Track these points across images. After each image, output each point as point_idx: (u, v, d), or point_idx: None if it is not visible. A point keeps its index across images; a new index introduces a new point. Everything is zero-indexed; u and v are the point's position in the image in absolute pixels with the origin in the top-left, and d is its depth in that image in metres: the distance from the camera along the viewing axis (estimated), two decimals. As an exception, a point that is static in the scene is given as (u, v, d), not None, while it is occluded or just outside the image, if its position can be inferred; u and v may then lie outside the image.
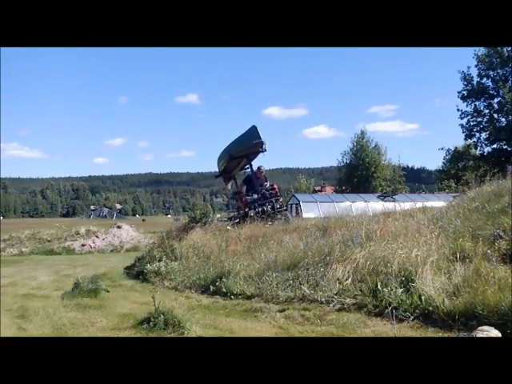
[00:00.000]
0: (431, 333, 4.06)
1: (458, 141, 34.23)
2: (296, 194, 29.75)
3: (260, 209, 10.09)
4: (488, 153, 26.46)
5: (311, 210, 20.84)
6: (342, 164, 39.50)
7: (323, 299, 5.19)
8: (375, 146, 38.65)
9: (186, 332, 4.43)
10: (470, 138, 27.24)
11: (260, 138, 10.13)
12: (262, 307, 5.37)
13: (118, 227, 16.81)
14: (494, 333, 3.42)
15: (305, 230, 7.68)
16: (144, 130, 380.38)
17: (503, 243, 5.09)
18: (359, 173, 37.23)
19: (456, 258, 4.91)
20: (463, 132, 26.88)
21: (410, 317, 4.38)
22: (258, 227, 8.67)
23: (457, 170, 33.06)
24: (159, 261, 8.11)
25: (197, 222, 9.76)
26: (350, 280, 5.35)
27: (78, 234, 16.26)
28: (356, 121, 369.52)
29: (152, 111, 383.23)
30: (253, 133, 10.29)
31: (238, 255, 7.27)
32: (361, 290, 5.11)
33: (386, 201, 15.13)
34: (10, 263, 11.30)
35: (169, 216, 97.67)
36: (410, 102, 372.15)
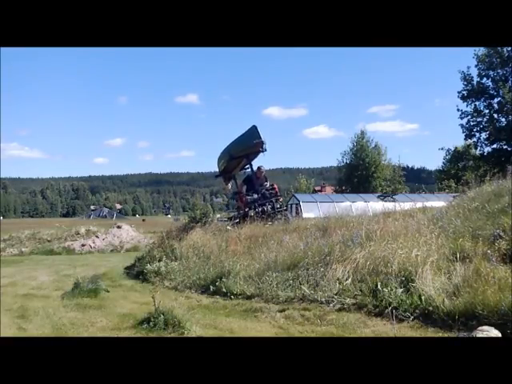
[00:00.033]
0: (431, 333, 4.06)
1: (458, 141, 34.33)
2: (296, 194, 29.77)
3: (260, 209, 10.09)
4: (488, 153, 26.43)
5: (311, 210, 20.84)
6: (342, 164, 39.54)
7: (323, 299, 5.18)
8: (375, 146, 38.69)
9: (186, 332, 4.43)
10: (470, 138, 27.22)
11: (260, 137, 10.12)
12: (262, 307, 5.37)
13: (118, 227, 16.81)
14: (494, 333, 3.42)
15: (305, 230, 7.68)
16: (144, 130, 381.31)
17: (503, 243, 5.09)
18: (359, 173, 37.24)
19: (456, 257, 4.91)
20: (463, 132, 26.88)
21: (409, 317, 4.38)
22: (257, 227, 8.67)
23: (457, 170, 33.08)
24: (159, 261, 8.11)
25: (197, 221, 9.76)
26: (349, 280, 5.35)
27: (78, 233, 16.26)
28: (356, 121, 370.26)
29: (152, 111, 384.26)
30: (253, 132, 10.29)
31: (238, 255, 7.26)
32: (361, 290, 5.11)
33: (385, 201, 15.14)
34: (9, 263, 11.30)
35: (169, 216, 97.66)
36: (410, 101, 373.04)
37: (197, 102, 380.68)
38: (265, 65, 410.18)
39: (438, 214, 6.95)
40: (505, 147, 25.52)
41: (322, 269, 5.68)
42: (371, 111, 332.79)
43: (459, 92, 26.62)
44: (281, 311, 5.15)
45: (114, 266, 10.14)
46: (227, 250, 7.72)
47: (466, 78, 26.22)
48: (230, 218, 11.02)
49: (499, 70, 25.20)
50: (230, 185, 12.17)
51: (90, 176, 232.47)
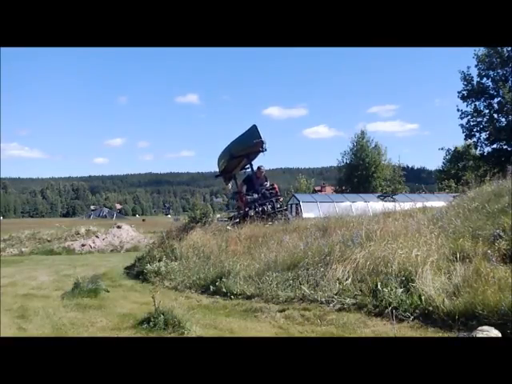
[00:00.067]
0: (431, 333, 4.06)
1: (458, 141, 34.31)
2: (296, 194, 29.74)
3: (260, 208, 10.10)
4: (488, 153, 26.45)
5: (311, 210, 20.83)
6: (342, 164, 39.52)
7: (323, 299, 5.19)
8: (375, 146, 38.66)
9: (186, 332, 4.43)
10: (470, 138, 27.24)
11: (260, 137, 10.13)
12: (262, 307, 5.37)
13: (118, 227, 16.82)
14: (494, 333, 3.43)
15: (305, 230, 7.68)
16: (144, 130, 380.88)
17: (503, 243, 5.09)
18: (359, 173, 37.22)
19: (456, 258, 4.91)
20: (463, 132, 26.91)
21: (410, 317, 4.38)
22: (257, 227, 8.67)
23: (457, 170, 33.09)
24: (159, 261, 8.11)
25: (197, 222, 9.76)
26: (349, 280, 5.35)
27: (78, 234, 16.28)
28: (356, 121, 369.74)
29: (152, 111, 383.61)
30: (253, 132, 10.30)
31: (238, 255, 7.27)
32: (361, 290, 5.11)
33: (385, 201, 15.12)
34: (9, 263, 11.31)
35: (169, 216, 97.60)
36: (410, 101, 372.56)
37: (197, 102, 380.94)
38: (265, 65, 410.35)
39: (437, 214, 6.95)
40: (505, 147, 25.53)
41: (321, 269, 5.68)
42: (371, 111, 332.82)
43: (459, 92, 26.66)
44: (281, 311, 5.16)
45: (114, 266, 10.14)
46: (227, 249, 7.72)
47: (466, 78, 26.24)
48: (230, 218, 11.03)
49: (499, 70, 25.22)
50: (230, 185, 12.19)
51: (89, 176, 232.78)
